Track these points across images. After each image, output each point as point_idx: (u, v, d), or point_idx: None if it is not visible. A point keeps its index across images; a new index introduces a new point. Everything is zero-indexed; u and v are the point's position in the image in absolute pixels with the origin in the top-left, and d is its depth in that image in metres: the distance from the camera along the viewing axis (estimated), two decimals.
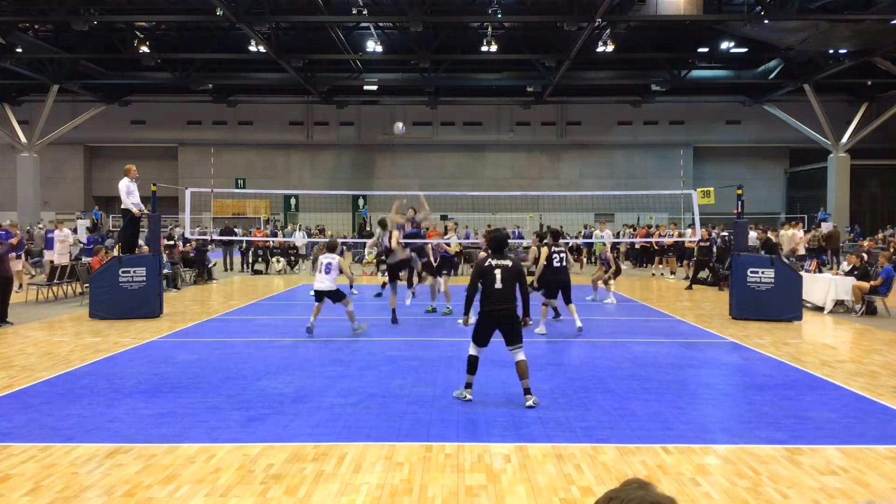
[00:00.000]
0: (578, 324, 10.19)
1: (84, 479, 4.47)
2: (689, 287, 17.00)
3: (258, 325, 11.41)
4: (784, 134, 34.15)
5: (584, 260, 24.50)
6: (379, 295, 14.38)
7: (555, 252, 10.63)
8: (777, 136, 35.19)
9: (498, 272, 6.09)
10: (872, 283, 12.47)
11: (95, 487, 4.33)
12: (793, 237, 19.49)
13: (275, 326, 11.11)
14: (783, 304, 11.40)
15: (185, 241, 19.06)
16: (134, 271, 11.58)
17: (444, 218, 28.15)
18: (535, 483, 4.39)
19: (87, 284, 13.16)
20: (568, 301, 10.41)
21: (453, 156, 36.63)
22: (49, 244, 18.93)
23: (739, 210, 12.02)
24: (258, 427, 5.60)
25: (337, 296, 9.92)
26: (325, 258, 10.05)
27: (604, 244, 16.22)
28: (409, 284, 13.09)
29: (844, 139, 30.84)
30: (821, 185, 32.47)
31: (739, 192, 12.06)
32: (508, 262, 6.19)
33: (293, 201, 35.90)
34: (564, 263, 10.70)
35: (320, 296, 10.02)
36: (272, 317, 12.35)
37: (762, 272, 11.47)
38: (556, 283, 10.37)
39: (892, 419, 5.77)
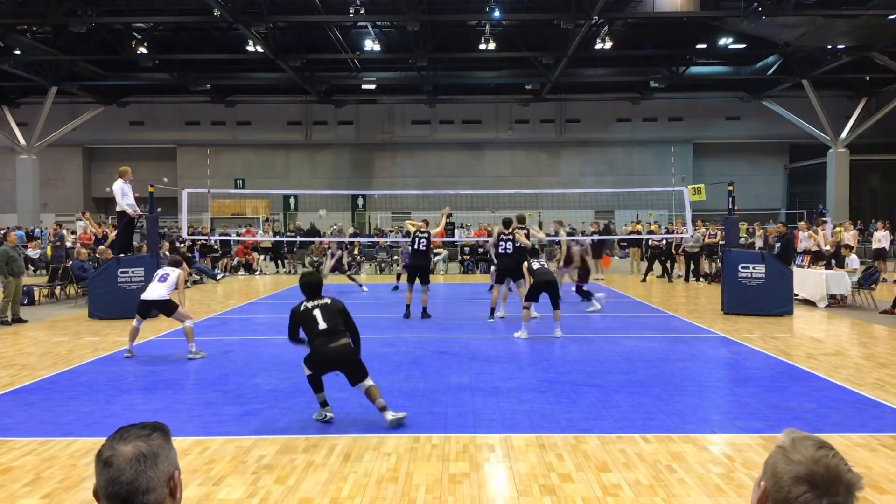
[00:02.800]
0: (558, 333, 9.61)
1: (82, 470, 4.63)
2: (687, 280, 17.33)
3: (255, 324, 11.58)
4: (783, 129, 34.15)
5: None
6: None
7: (502, 238, 10.69)
8: (776, 132, 35.17)
9: (317, 312, 5.67)
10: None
11: (93, 478, 4.46)
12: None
13: (272, 325, 11.26)
14: (774, 299, 11.54)
15: (184, 242, 19.23)
16: (132, 272, 11.74)
17: (448, 217, 28.18)
18: (517, 470, 4.54)
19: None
20: (556, 306, 9.66)
21: (452, 154, 36.68)
22: None
23: (730, 206, 12.15)
24: (251, 421, 5.75)
25: (169, 308, 8.66)
26: (162, 270, 9.00)
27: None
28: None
29: (844, 134, 30.87)
30: (821, 181, 32.46)
31: (730, 188, 12.19)
32: (327, 301, 5.74)
33: (292, 201, 36.02)
34: (509, 251, 10.64)
35: (147, 308, 8.68)
36: (270, 316, 12.51)
37: (753, 268, 11.60)
38: (538, 283, 9.51)
39: (869, 409, 5.90)
